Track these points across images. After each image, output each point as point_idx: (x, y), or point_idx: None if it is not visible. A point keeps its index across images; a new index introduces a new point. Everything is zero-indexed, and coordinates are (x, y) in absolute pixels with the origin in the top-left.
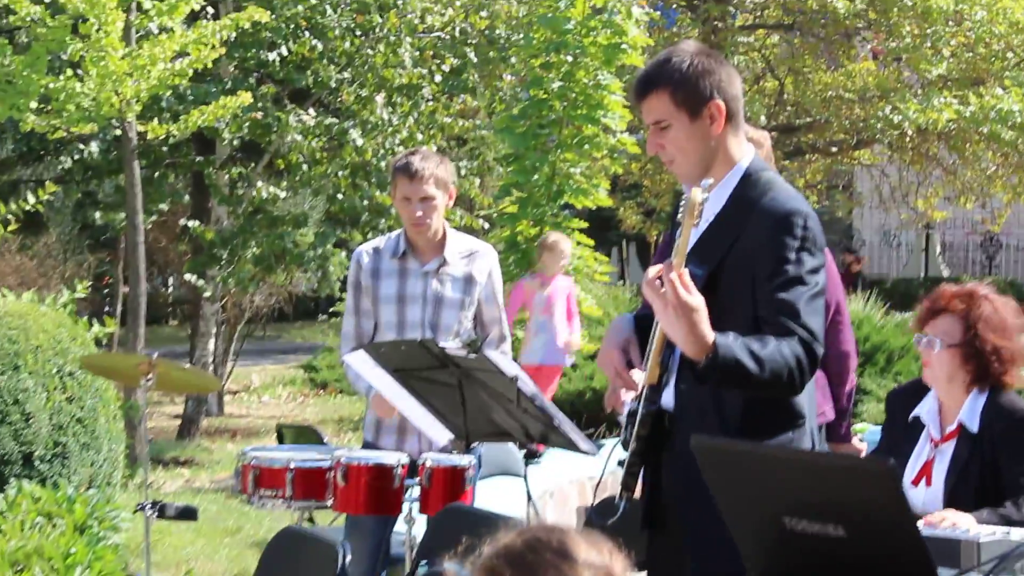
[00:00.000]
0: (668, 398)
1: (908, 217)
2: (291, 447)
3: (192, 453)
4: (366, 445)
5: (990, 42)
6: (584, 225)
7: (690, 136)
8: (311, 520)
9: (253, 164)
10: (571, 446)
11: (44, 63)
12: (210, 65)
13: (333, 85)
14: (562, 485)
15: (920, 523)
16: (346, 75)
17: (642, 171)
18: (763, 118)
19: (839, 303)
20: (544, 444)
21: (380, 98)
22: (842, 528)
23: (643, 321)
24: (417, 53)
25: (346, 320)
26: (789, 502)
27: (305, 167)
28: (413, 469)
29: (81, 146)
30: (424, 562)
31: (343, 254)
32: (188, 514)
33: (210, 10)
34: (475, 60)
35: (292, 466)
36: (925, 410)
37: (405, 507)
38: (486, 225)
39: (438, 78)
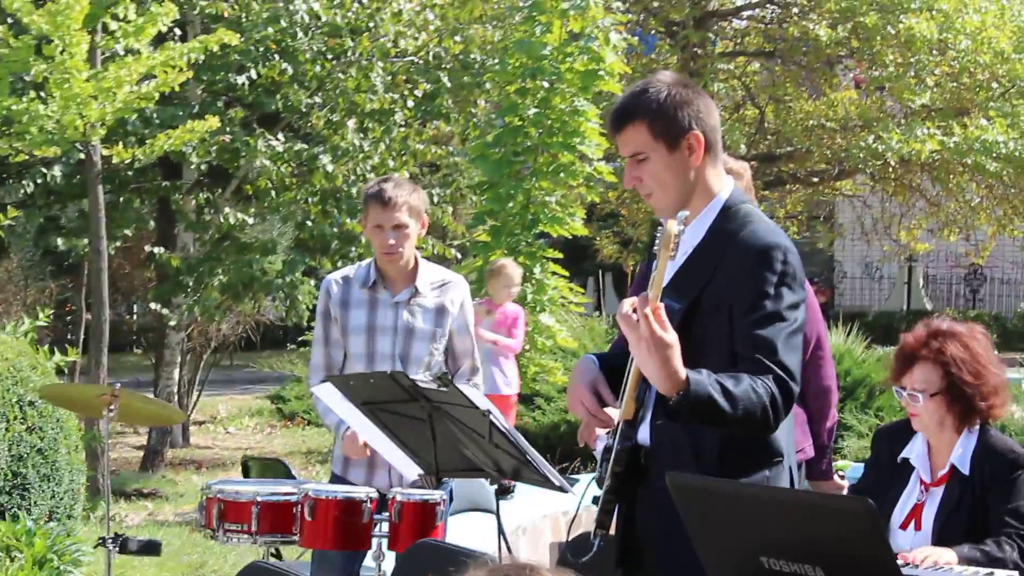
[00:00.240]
0: (644, 434)
1: (890, 249)
2: (257, 480)
3: (156, 485)
4: (334, 478)
5: (975, 72)
6: (559, 255)
7: (668, 168)
8: (278, 555)
9: (221, 190)
10: (544, 482)
11: (6, 84)
12: (177, 88)
13: (303, 109)
14: (535, 521)
15: (901, 563)
16: (317, 99)
17: (619, 200)
18: (743, 147)
19: (820, 337)
20: (516, 480)
21: (351, 123)
22: (820, 568)
23: (611, 360)
24: (389, 78)
25: (315, 350)
26: (767, 541)
27: (274, 193)
28: (383, 503)
29: (44, 170)
30: None
31: (312, 282)
32: (151, 548)
33: (178, 32)
34: (449, 85)
35: (258, 500)
36: (915, 453)
37: (374, 542)
38: (459, 254)
39: (411, 103)
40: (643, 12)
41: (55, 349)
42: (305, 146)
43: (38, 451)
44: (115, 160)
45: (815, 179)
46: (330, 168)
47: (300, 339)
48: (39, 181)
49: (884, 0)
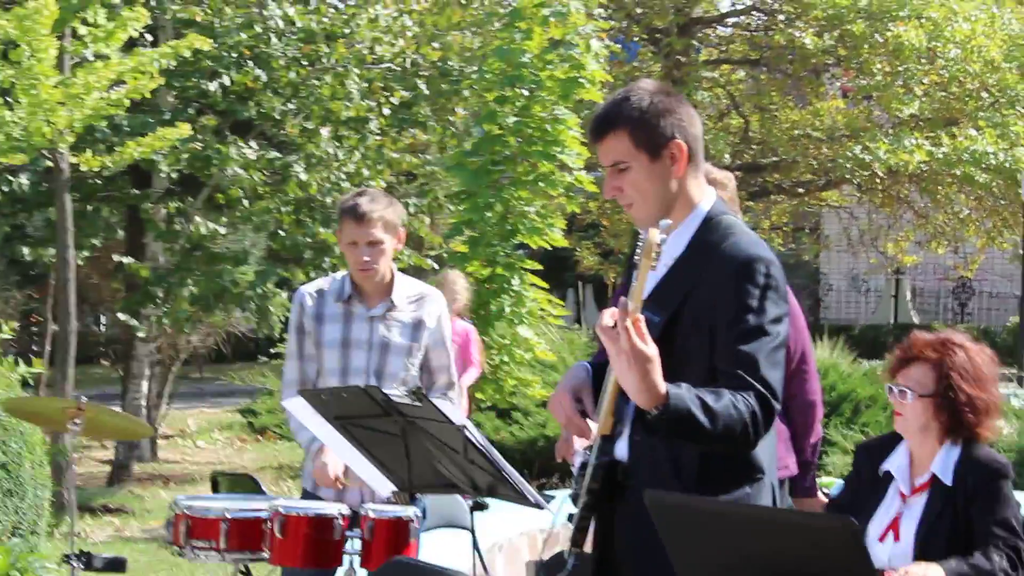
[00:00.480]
0: (622, 449)
1: (877, 261)
2: (226, 496)
3: (122, 501)
4: (305, 495)
5: (964, 81)
6: (538, 266)
7: (650, 178)
8: (247, 573)
9: (192, 198)
10: (519, 499)
11: None
12: (148, 95)
13: (277, 117)
14: (512, 537)
15: None
16: (291, 107)
17: (600, 210)
18: (727, 157)
19: (804, 351)
20: (492, 496)
21: (326, 131)
22: None
23: (600, 369)
24: (366, 85)
25: (288, 365)
26: (747, 560)
27: (246, 202)
28: (355, 520)
29: (10, 177)
30: None
31: (285, 294)
32: (117, 565)
33: (149, 37)
34: (426, 93)
35: (227, 516)
36: (895, 464)
37: (346, 560)
38: (436, 265)
39: (387, 111)
40: (626, 19)
41: (20, 361)
42: (278, 154)
43: (1, 466)
44: (83, 168)
45: (801, 190)
46: (304, 177)
47: (272, 351)
48: (5, 189)
49: (872, 8)
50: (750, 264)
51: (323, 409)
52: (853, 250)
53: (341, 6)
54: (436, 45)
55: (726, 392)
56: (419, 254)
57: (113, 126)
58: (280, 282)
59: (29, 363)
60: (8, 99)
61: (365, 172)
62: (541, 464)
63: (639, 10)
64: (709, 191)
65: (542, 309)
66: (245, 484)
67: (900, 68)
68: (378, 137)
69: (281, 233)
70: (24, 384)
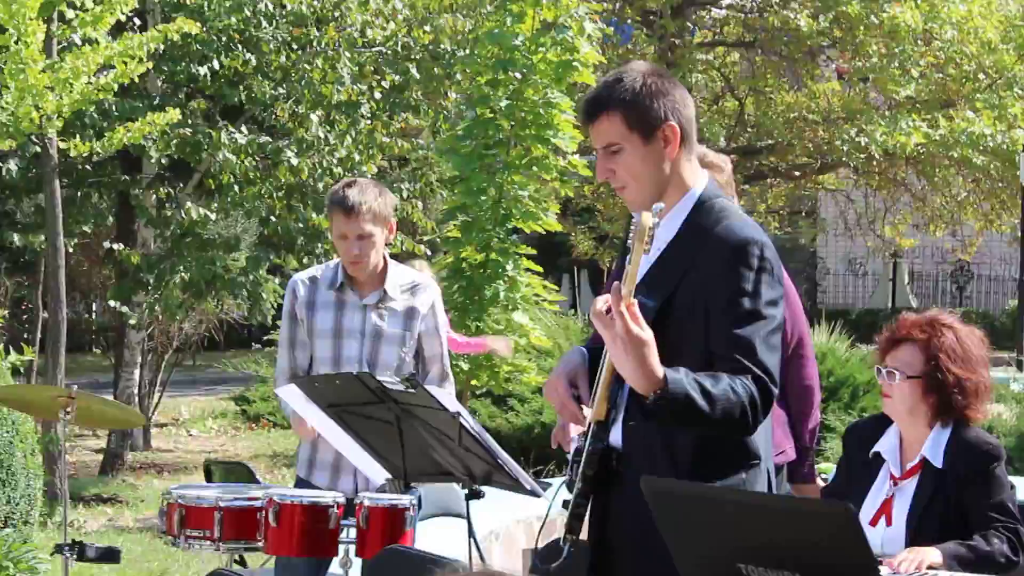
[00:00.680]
0: (616, 436)
1: (875, 245)
2: (220, 485)
3: (115, 490)
4: (299, 483)
5: (961, 63)
6: (533, 251)
7: (643, 160)
8: (241, 562)
9: (182, 184)
10: (516, 486)
11: None
12: (137, 79)
13: (267, 101)
14: (508, 525)
15: (883, 568)
16: (281, 91)
17: (594, 194)
18: (722, 140)
19: (802, 336)
20: (487, 484)
21: (317, 115)
22: (799, 574)
23: (596, 354)
24: (356, 68)
25: (281, 353)
26: (743, 547)
27: (237, 187)
28: (350, 509)
29: None
30: None
31: (277, 280)
32: (110, 556)
33: (137, 21)
34: (418, 77)
35: (221, 505)
36: (885, 446)
37: (341, 549)
38: (428, 251)
39: (378, 95)
40: (619, 0)
41: (10, 349)
42: (269, 139)
43: None
44: (72, 153)
45: (797, 173)
46: (295, 162)
47: (265, 338)
48: None
49: None
50: (744, 247)
51: (316, 396)
52: (850, 233)
53: None
54: (428, 28)
55: (724, 376)
56: (412, 239)
57: (102, 111)
58: (272, 268)
59: (20, 351)
60: None
61: (356, 157)
62: (537, 451)
63: None
64: (702, 174)
65: (537, 295)
66: (239, 472)
67: (896, 50)
68: (369, 121)
69: (272, 219)
70: (15, 372)
